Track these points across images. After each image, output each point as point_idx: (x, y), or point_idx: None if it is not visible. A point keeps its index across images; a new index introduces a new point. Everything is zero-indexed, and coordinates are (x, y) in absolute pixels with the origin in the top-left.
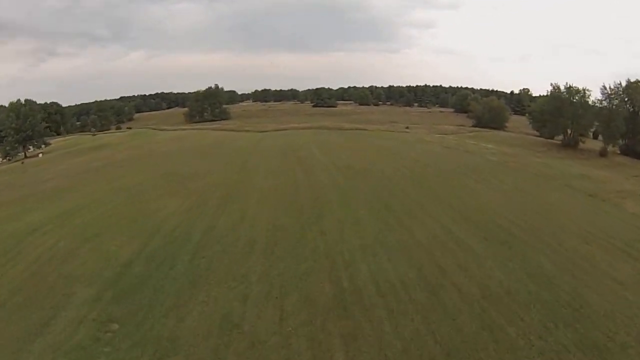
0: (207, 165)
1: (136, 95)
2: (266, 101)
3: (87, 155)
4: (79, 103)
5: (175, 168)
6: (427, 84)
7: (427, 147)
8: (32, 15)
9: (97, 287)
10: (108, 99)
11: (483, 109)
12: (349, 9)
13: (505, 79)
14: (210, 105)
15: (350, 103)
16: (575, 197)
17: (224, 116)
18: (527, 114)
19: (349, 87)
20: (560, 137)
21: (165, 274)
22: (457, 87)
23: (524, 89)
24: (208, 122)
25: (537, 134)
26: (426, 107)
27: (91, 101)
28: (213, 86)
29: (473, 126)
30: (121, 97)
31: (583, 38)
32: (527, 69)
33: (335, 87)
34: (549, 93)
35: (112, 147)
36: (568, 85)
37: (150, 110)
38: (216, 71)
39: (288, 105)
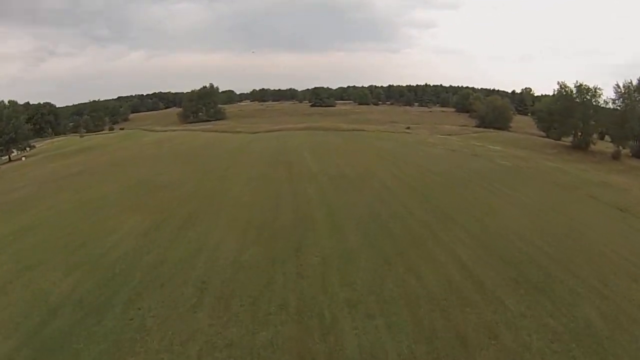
0: (185, 173)
1: (134, 95)
2: (264, 101)
3: (68, 159)
4: (76, 103)
5: (151, 175)
6: (428, 83)
7: (431, 150)
8: (32, 14)
9: (16, 340)
10: (107, 98)
11: (487, 108)
12: (349, 8)
13: (505, 79)
14: (204, 105)
15: (350, 103)
16: (605, 213)
17: (219, 116)
18: (530, 114)
19: (349, 87)
20: (569, 138)
21: (89, 331)
22: (458, 86)
23: (526, 88)
24: (202, 123)
25: (543, 134)
26: (427, 106)
27: (89, 101)
28: (208, 85)
29: (476, 126)
30: (119, 97)
31: (583, 38)
32: (527, 69)
33: (334, 87)
34: (555, 92)
35: (96, 150)
36: (578, 84)
37: (148, 110)
38: (216, 71)
39: (286, 104)
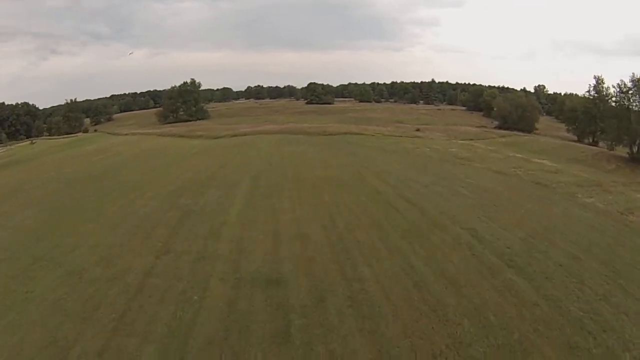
0: (17, 235)
1: (127, 93)
2: (261, 98)
3: None
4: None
5: None
6: (434, 79)
7: (466, 172)
8: (33, 14)
9: None
10: (101, 97)
11: (510, 107)
12: (352, 6)
13: (509, 77)
14: (184, 103)
15: (350, 100)
16: None
17: (201, 115)
18: (553, 115)
19: (349, 84)
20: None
21: None
22: (465, 83)
23: (539, 85)
24: (181, 123)
25: (574, 138)
26: (433, 104)
27: (64, 102)
28: (189, 81)
29: (497, 128)
30: (112, 96)
31: (589, 35)
32: (531, 67)
33: (335, 85)
34: (591, 88)
35: (16, 166)
36: (636, 78)
37: (140, 109)
38: (219, 69)
39: (283, 102)
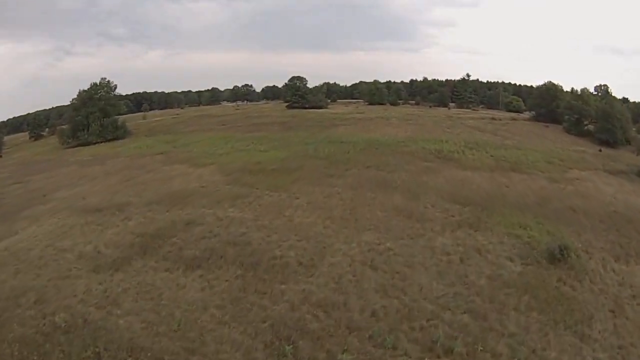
0: None
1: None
2: (251, 100)
3: None
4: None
5: None
6: (469, 75)
7: None
8: (48, 15)
9: None
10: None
11: None
12: (368, 7)
13: (530, 77)
14: (88, 116)
15: (359, 102)
16: None
17: (116, 133)
18: None
19: (360, 82)
20: None
21: None
22: (500, 82)
23: (602, 85)
24: (83, 147)
25: None
26: (470, 107)
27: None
28: (99, 83)
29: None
30: None
31: (604, 34)
32: (556, 66)
33: (348, 84)
34: None
35: None
36: None
37: (126, 113)
38: (233, 70)
39: (269, 105)
